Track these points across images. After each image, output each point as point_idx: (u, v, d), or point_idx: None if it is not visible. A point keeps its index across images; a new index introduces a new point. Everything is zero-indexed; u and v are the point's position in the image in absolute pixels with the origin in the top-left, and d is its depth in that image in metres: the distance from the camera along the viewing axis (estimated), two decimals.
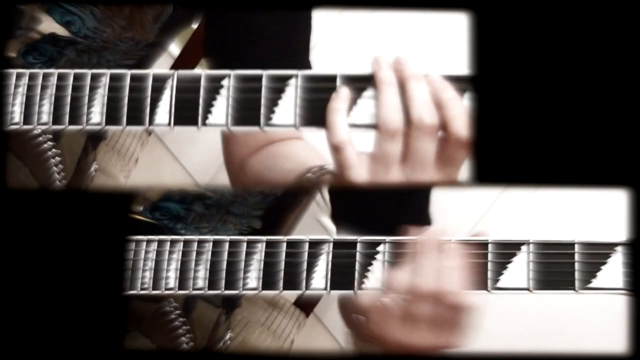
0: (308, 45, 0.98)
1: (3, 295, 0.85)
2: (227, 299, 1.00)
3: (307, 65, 0.97)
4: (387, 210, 0.89)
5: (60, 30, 0.92)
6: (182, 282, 0.81)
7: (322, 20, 1.51)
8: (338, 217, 0.96)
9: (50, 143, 0.94)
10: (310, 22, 0.97)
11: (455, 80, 0.76)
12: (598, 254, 0.76)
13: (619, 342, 0.88)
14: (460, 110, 0.74)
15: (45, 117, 0.79)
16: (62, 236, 0.86)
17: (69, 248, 0.85)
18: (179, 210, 0.94)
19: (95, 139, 0.99)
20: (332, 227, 1.02)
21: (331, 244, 0.79)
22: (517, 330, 1.46)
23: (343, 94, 0.75)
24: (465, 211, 1.52)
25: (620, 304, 0.85)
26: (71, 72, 0.79)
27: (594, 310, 1.39)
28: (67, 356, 0.85)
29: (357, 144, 0.76)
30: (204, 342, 0.98)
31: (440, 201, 1.52)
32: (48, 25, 0.91)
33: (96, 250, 0.85)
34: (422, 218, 0.96)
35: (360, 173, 0.75)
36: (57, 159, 0.95)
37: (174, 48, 1.34)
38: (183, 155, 1.71)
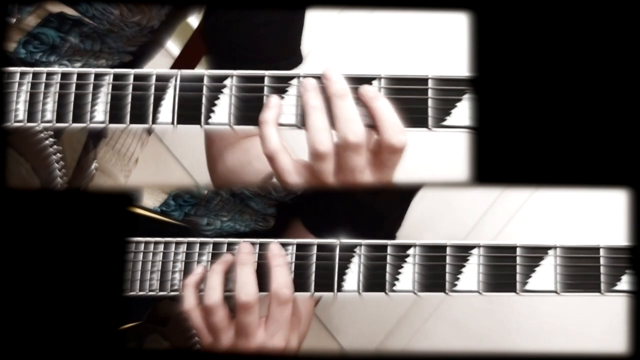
0: (301, 37, 0.98)
1: (4, 295, 0.85)
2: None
3: (299, 57, 0.98)
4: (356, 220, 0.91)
5: (68, 11, 0.92)
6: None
7: (322, 20, 1.51)
8: (309, 224, 0.98)
9: (51, 140, 0.94)
10: (303, 17, 0.98)
11: (455, 82, 0.76)
12: (623, 258, 0.78)
13: (619, 342, 0.88)
14: (390, 118, 0.75)
15: (49, 115, 0.79)
16: (62, 235, 0.86)
17: (70, 247, 0.85)
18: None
19: (96, 136, 0.99)
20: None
21: (362, 247, 0.80)
22: (517, 331, 1.47)
23: (273, 102, 0.77)
24: (465, 211, 1.52)
25: (620, 304, 0.85)
26: (75, 70, 0.79)
27: (594, 310, 1.39)
28: (69, 356, 0.85)
29: (290, 150, 0.78)
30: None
31: (440, 201, 1.52)
32: (55, 7, 0.91)
33: (97, 249, 0.85)
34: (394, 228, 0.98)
35: (295, 179, 0.77)
36: (59, 155, 0.95)
37: (174, 48, 1.34)
38: (183, 155, 1.71)
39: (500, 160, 0.89)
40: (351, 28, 1.55)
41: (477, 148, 0.86)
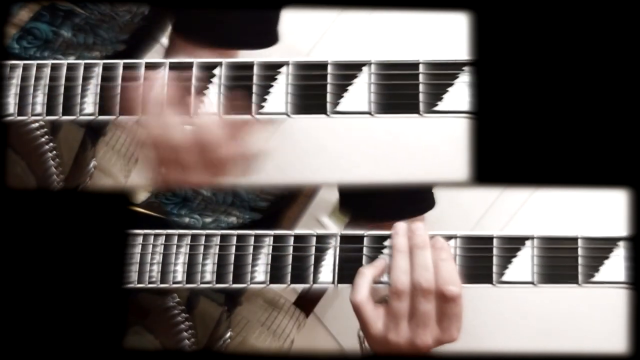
0: (277, 15, 0.97)
1: (4, 294, 0.85)
2: (229, 297, 1.00)
3: (274, 37, 0.97)
4: (394, 203, 0.93)
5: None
6: (190, 275, 0.82)
7: (323, 20, 1.51)
8: (347, 209, 0.98)
9: (47, 137, 0.94)
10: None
11: (446, 66, 0.76)
12: (600, 248, 0.77)
13: (619, 342, 0.88)
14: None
15: (39, 108, 0.79)
16: (62, 233, 0.86)
17: (70, 245, 0.85)
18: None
19: (93, 134, 0.99)
20: (332, 226, 1.02)
21: (338, 238, 0.80)
22: (517, 330, 1.46)
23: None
24: (465, 211, 1.52)
25: (620, 303, 0.85)
26: (64, 62, 0.79)
27: (594, 310, 1.39)
28: (69, 354, 0.85)
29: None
30: (205, 340, 0.98)
31: (441, 201, 1.52)
32: None
33: (97, 246, 0.85)
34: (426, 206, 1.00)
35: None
36: (55, 153, 0.95)
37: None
38: None
39: (500, 160, 0.89)
40: (351, 28, 1.55)
41: (477, 148, 0.86)
